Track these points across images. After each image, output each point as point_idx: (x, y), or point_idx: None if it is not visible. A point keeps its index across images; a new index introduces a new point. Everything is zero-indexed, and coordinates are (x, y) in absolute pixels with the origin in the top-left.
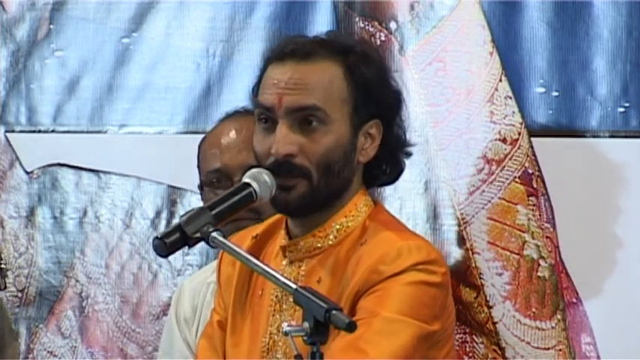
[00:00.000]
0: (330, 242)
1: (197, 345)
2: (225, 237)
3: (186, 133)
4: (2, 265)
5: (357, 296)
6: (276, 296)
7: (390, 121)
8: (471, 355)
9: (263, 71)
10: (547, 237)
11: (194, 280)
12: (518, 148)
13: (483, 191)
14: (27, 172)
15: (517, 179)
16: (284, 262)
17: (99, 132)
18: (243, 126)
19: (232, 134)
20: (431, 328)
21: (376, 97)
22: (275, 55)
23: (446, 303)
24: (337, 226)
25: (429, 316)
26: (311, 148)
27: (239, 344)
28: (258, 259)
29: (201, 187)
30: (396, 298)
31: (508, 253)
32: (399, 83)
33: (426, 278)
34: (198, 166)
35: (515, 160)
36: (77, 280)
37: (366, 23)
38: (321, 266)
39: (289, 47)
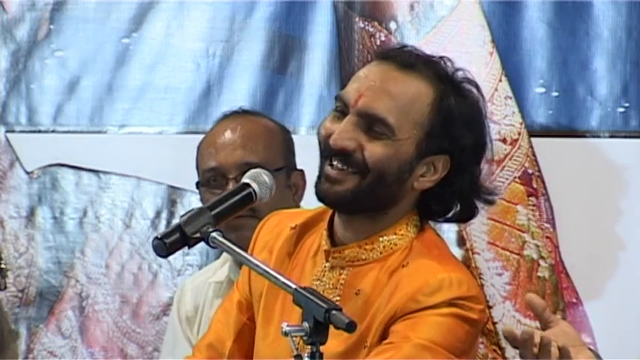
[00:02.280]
0: (376, 256)
1: (214, 315)
2: (224, 237)
3: (186, 133)
4: (2, 265)
5: (391, 320)
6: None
7: (461, 164)
8: None
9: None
10: (547, 237)
11: (196, 280)
12: (518, 148)
13: None
14: (27, 172)
15: (517, 179)
16: (325, 266)
17: (99, 132)
18: (239, 125)
19: (228, 133)
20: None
21: (454, 134)
22: (379, 54)
23: (476, 340)
24: (385, 242)
25: (459, 350)
26: (369, 149)
27: (268, 336)
28: (292, 251)
29: (198, 187)
30: (431, 327)
31: (508, 253)
32: (490, 133)
33: (463, 313)
34: (197, 167)
35: (515, 160)
36: (77, 280)
37: (366, 23)
38: (362, 278)
39: (395, 51)
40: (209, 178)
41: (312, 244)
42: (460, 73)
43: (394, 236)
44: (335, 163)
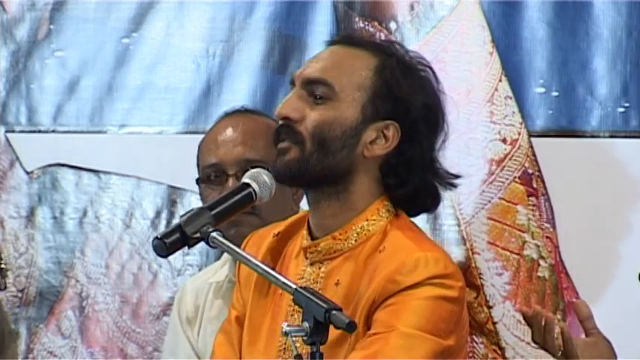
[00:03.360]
0: (350, 245)
1: (214, 340)
2: (224, 237)
3: (186, 133)
4: (2, 265)
5: (373, 305)
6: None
7: (412, 132)
8: (471, 355)
9: None
10: (547, 237)
11: (196, 280)
12: (518, 148)
13: (483, 191)
14: (27, 172)
15: (517, 179)
16: (305, 263)
17: (99, 132)
18: (240, 122)
19: (229, 130)
20: (447, 343)
21: (402, 102)
22: (329, 41)
23: (461, 317)
24: (358, 230)
25: (445, 331)
26: (309, 118)
27: (256, 342)
28: (278, 257)
29: (198, 183)
30: (413, 312)
31: (508, 253)
32: (444, 108)
33: (443, 293)
34: (198, 165)
35: (515, 160)
36: (77, 280)
37: (366, 23)
38: (340, 269)
39: (343, 35)
40: (209, 174)
41: (294, 246)
42: (412, 54)
43: (366, 222)
44: (281, 137)
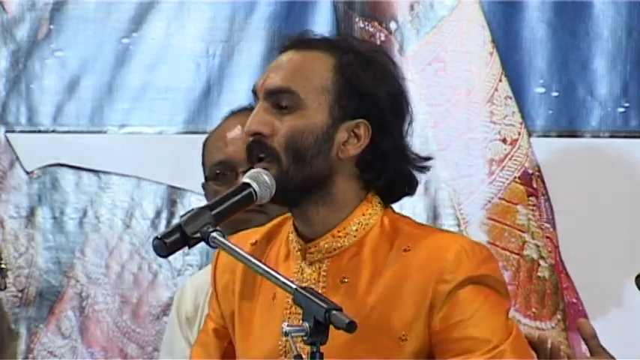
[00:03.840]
0: (351, 241)
1: (190, 352)
2: (225, 237)
3: (186, 133)
4: (2, 265)
5: (431, 309)
6: (292, 299)
7: (383, 126)
8: None
9: None
10: (547, 237)
11: (196, 279)
12: (518, 148)
13: (483, 191)
14: (27, 172)
15: (517, 179)
16: (301, 265)
17: (99, 132)
18: None
19: (238, 128)
20: (515, 324)
21: (367, 97)
22: (281, 47)
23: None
24: (356, 225)
25: (509, 306)
26: (280, 129)
27: (252, 349)
28: (260, 260)
29: (205, 182)
30: (487, 318)
31: (508, 253)
32: (407, 93)
33: (494, 277)
34: (203, 164)
35: (515, 160)
36: (77, 280)
37: (366, 23)
38: (342, 265)
39: (293, 38)
40: (217, 172)
41: (278, 252)
42: (367, 44)
43: (363, 217)
44: (255, 154)
